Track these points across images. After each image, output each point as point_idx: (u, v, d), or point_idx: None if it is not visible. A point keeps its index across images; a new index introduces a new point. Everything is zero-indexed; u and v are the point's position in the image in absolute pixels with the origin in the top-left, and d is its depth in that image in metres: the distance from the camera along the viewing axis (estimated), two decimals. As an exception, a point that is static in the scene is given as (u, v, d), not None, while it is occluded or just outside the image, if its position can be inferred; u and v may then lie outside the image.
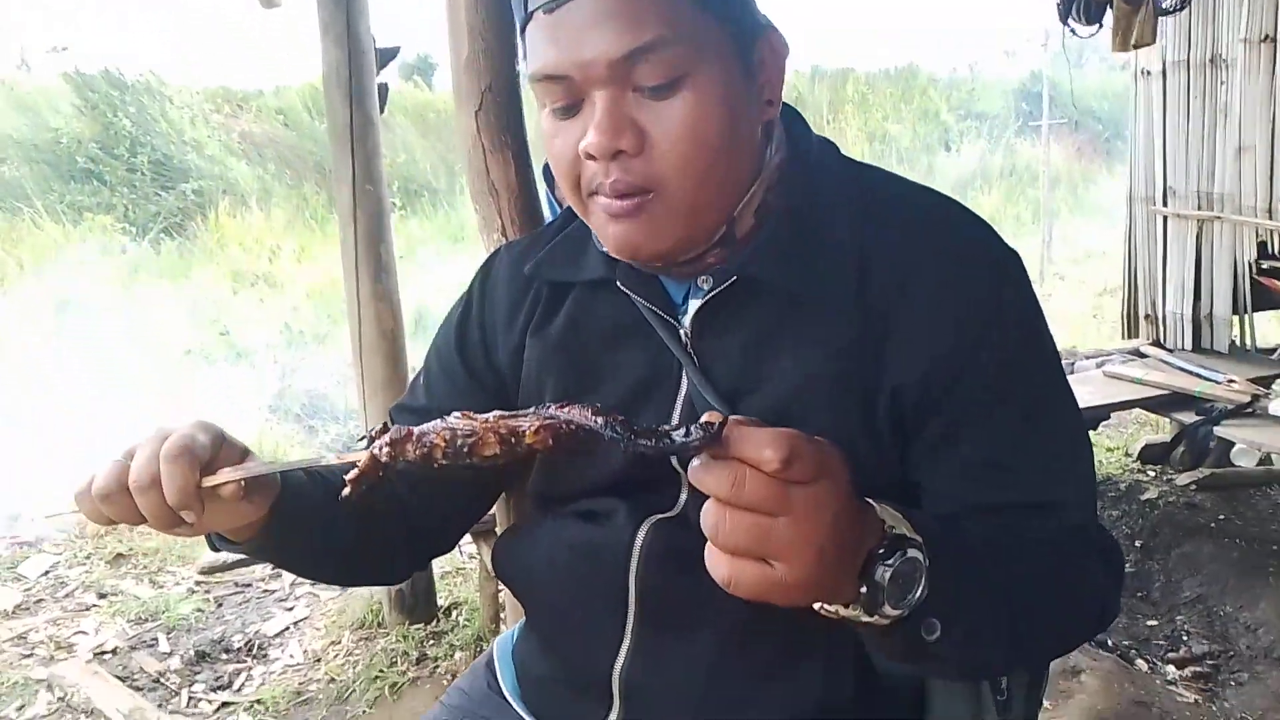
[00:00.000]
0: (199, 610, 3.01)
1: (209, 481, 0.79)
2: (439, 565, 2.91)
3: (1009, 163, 11.67)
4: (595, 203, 0.85)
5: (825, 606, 0.67)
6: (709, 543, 0.62)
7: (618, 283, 0.93)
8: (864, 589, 0.65)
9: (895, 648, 0.72)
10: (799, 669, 0.92)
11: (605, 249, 0.92)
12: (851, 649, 0.91)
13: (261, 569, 3.19)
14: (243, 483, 0.81)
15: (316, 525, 0.94)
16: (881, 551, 0.65)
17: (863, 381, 0.85)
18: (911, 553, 0.66)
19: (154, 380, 5.09)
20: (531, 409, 0.70)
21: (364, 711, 2.46)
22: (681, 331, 0.91)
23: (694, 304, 0.91)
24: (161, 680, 2.67)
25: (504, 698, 1.12)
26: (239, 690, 2.61)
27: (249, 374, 5.15)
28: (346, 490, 0.74)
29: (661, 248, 0.85)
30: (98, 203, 8.72)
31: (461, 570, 3.10)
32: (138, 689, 2.61)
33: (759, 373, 0.88)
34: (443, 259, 7.82)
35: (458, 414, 0.72)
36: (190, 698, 2.58)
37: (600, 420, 0.66)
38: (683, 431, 0.63)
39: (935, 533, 0.69)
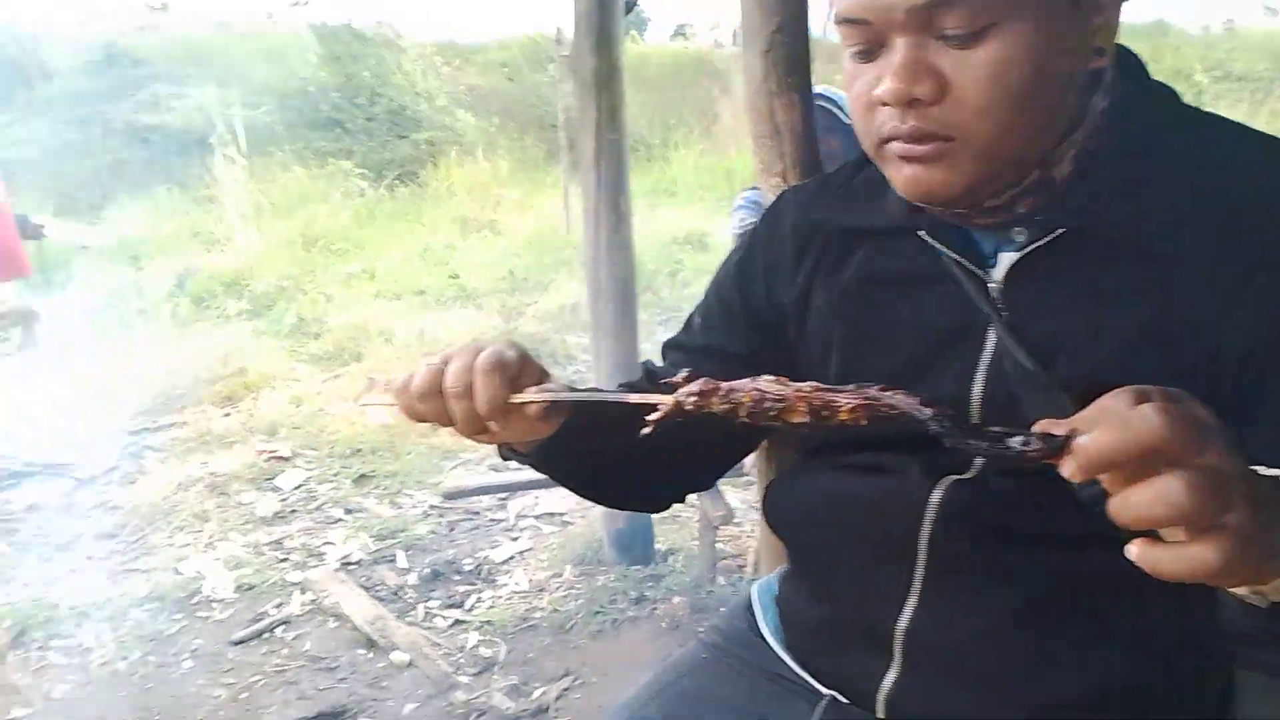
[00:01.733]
0: (433, 532, 3.21)
1: (516, 398, 0.83)
2: (656, 511, 2.97)
3: (1274, 127, 10.53)
4: (889, 148, 0.83)
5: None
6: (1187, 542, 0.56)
7: (920, 232, 0.90)
8: None
9: None
10: (1099, 648, 0.87)
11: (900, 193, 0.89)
12: (1160, 633, 0.86)
13: (489, 500, 3.36)
14: (545, 403, 0.85)
15: (597, 447, 0.97)
16: None
17: (1195, 343, 0.79)
18: None
19: (390, 317, 5.43)
20: (851, 386, 0.69)
21: (585, 643, 2.56)
22: (991, 285, 0.87)
23: (1006, 256, 0.87)
24: (400, 594, 2.86)
25: (765, 641, 1.13)
26: (469, 610, 2.77)
27: (477, 316, 5.41)
28: (646, 430, 0.77)
29: (954, 193, 0.82)
30: (339, 149, 9.35)
31: (677, 518, 3.16)
32: (379, 599, 2.81)
33: (1076, 331, 0.83)
34: (654, 213, 7.90)
35: (770, 377, 0.72)
36: (426, 612, 2.77)
37: (929, 410, 0.64)
38: (1020, 440, 0.60)
39: None
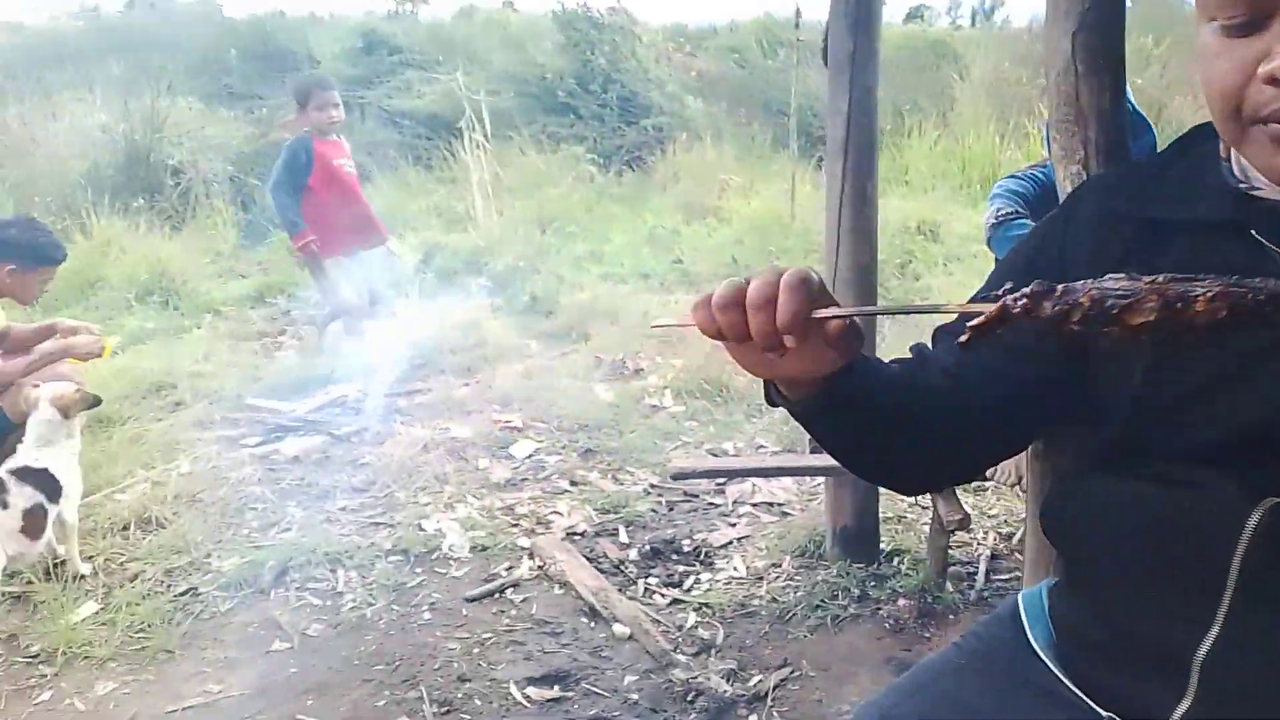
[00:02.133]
0: (653, 511, 3.27)
1: (820, 313, 0.81)
2: (882, 509, 2.89)
3: None
4: (1261, 130, 0.76)
5: None
6: None
7: (1252, 230, 0.82)
8: None
9: None
10: None
11: (1254, 181, 0.83)
12: None
13: (706, 483, 3.38)
14: (848, 322, 0.83)
15: (869, 404, 0.94)
16: None
17: None
18: None
19: (616, 298, 5.55)
20: (1209, 275, 0.64)
21: (804, 636, 2.52)
22: None
23: None
24: (621, 568, 2.92)
25: (1036, 655, 1.07)
26: (688, 590, 2.80)
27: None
28: (965, 337, 0.74)
29: None
30: (572, 134, 9.65)
31: (903, 519, 3.07)
32: (602, 571, 2.88)
33: None
34: (885, 201, 7.68)
35: (1117, 274, 0.67)
36: (646, 588, 2.81)
37: None
38: None
39: None
